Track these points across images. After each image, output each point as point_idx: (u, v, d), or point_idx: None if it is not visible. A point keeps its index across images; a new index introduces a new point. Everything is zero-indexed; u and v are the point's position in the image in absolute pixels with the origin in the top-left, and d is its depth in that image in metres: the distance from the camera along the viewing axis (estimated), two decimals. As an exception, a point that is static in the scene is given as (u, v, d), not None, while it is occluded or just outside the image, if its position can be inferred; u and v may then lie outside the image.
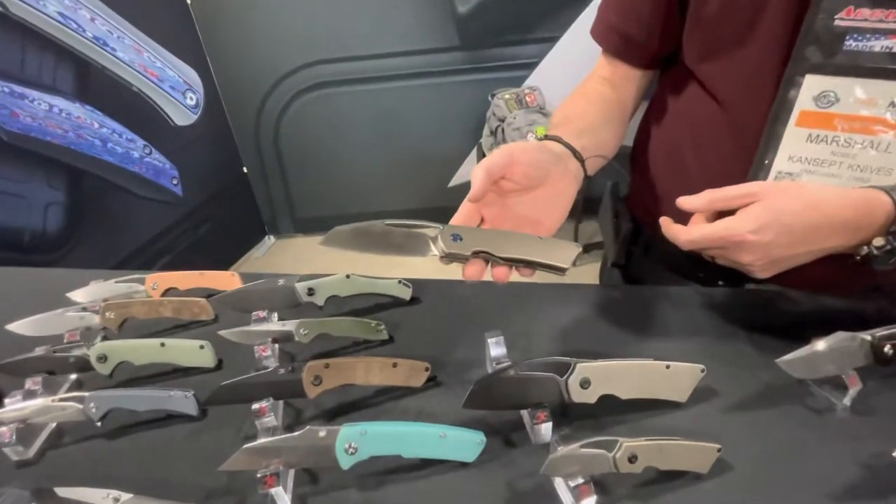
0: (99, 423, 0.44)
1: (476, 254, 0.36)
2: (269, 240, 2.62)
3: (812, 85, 0.46)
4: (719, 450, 0.37)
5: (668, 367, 0.42)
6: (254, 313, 0.56)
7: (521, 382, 0.40)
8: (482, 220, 0.42)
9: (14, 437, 0.42)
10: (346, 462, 0.38)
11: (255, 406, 0.43)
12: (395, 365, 0.46)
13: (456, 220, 0.40)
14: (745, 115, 0.51)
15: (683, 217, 0.46)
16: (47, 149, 1.67)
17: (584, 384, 0.40)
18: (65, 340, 0.55)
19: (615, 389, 0.41)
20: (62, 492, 0.37)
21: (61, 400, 0.44)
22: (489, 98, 2.02)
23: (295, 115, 2.30)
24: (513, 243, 0.38)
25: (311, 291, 0.56)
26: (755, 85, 0.49)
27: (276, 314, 0.59)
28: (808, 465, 0.38)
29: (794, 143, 0.48)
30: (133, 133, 1.95)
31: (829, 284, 0.53)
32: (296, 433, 0.37)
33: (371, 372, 0.46)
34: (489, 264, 0.37)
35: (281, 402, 0.46)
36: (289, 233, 2.62)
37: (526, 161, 0.42)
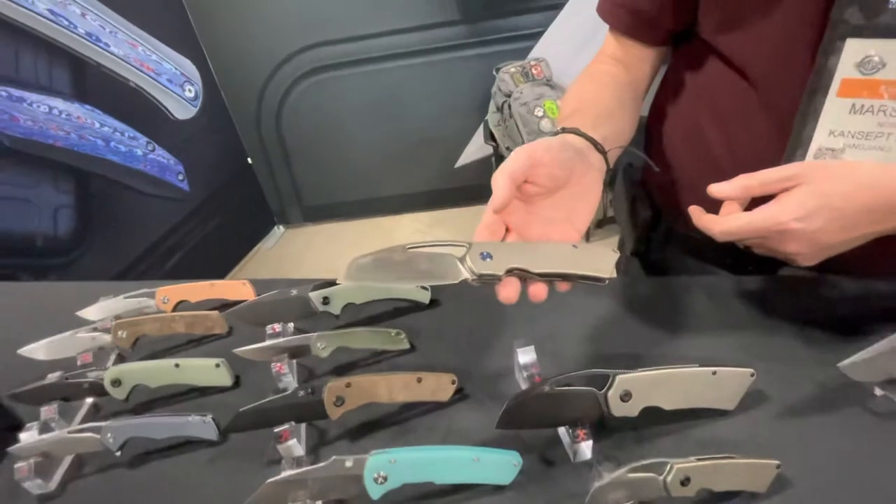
0: (118, 453, 0.43)
1: (510, 272, 0.33)
2: (279, 230, 2.61)
3: (854, 50, 0.41)
4: (778, 466, 0.34)
5: (714, 373, 0.39)
6: (268, 327, 0.53)
7: (557, 399, 0.37)
8: (507, 230, 0.38)
9: (33, 472, 0.41)
10: (375, 492, 0.36)
11: (277, 430, 0.41)
12: (419, 380, 0.43)
13: (480, 233, 0.36)
14: (777, 89, 0.46)
15: (710, 202, 0.42)
16: (51, 152, 1.65)
17: (625, 397, 0.38)
18: (78, 363, 0.53)
19: (658, 401, 0.38)
20: (85, 531, 0.36)
21: (78, 431, 0.42)
22: (494, 73, 1.95)
23: (295, 102, 2.24)
24: (547, 256, 0.34)
25: (326, 300, 0.54)
26: (786, 55, 0.44)
27: (291, 325, 0.56)
28: (875, 477, 0.35)
29: (835, 116, 0.43)
30: (135, 130, 1.92)
31: (872, 266, 0.49)
32: (321, 464, 0.35)
33: (395, 389, 0.43)
34: (524, 281, 0.34)
35: (303, 425, 0.44)
36: (298, 222, 2.60)
37: (550, 161, 0.38)
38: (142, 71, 1.94)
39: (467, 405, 0.45)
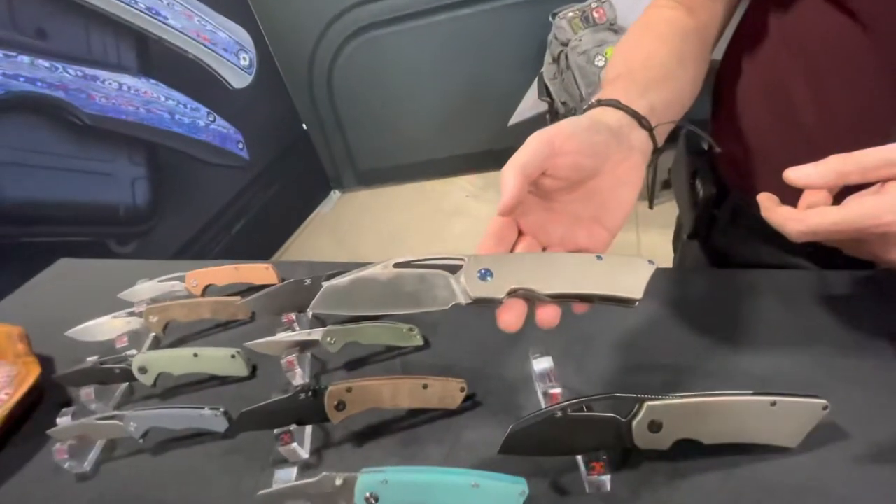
0: (141, 441, 0.45)
1: (513, 293, 0.27)
2: (335, 195, 2.66)
3: None
4: (849, 532, 0.27)
5: (773, 403, 0.31)
6: (283, 316, 0.53)
7: (570, 426, 0.32)
8: (520, 234, 0.32)
9: (68, 453, 0.44)
10: (367, 512, 0.34)
11: (278, 432, 0.40)
12: (425, 386, 0.40)
13: (486, 241, 0.30)
14: None
15: (789, 187, 0.32)
16: (124, 127, 1.76)
17: (655, 427, 0.32)
18: (116, 345, 0.56)
19: (697, 433, 0.32)
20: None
21: (104, 418, 0.45)
22: (550, 19, 1.76)
23: (346, 64, 2.21)
24: (562, 271, 0.28)
25: (340, 290, 0.51)
26: None
27: (310, 313, 0.55)
28: None
29: None
30: (196, 102, 2.00)
31: None
32: (312, 479, 0.34)
33: (399, 394, 0.40)
34: (531, 302, 0.28)
35: (308, 426, 0.43)
36: (352, 186, 2.64)
37: (574, 148, 0.30)
38: (199, 41, 1.99)
39: (478, 415, 0.41)
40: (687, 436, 0.32)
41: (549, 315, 0.28)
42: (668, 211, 1.83)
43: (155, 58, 1.84)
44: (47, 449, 0.46)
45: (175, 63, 1.91)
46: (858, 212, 0.29)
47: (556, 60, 1.77)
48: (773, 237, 0.49)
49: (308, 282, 0.52)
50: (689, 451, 0.33)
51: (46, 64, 1.53)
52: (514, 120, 2.19)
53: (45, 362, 0.58)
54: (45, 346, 0.60)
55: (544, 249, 0.33)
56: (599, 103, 0.36)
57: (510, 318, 0.27)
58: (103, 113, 1.71)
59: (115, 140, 1.74)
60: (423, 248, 2.06)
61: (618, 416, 0.32)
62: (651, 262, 0.29)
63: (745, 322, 0.42)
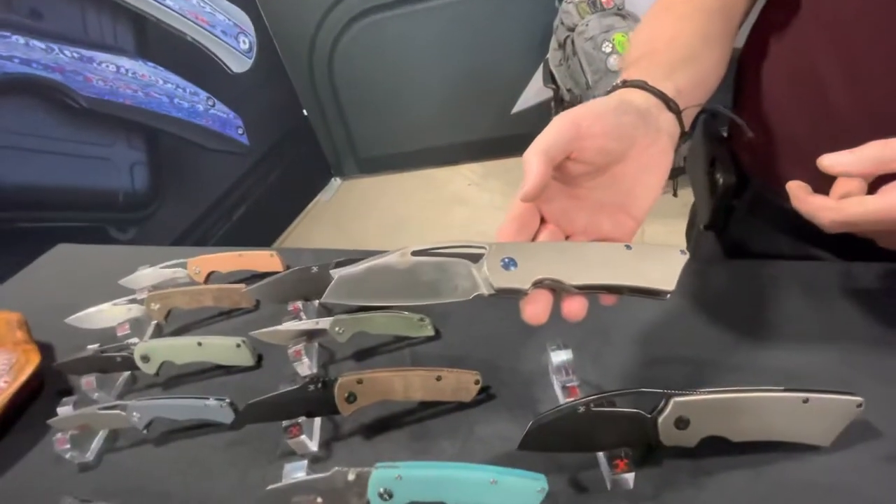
0: (145, 431, 0.43)
1: (539, 283, 0.26)
2: (336, 182, 2.63)
3: None
4: (887, 535, 0.26)
5: (805, 400, 0.30)
6: (289, 304, 0.51)
7: (593, 421, 0.31)
8: (542, 222, 0.30)
9: (70, 444, 0.43)
10: (380, 508, 0.32)
11: (286, 425, 0.39)
12: (439, 378, 0.39)
13: (506, 228, 0.28)
14: None
15: (820, 174, 0.31)
16: (122, 110, 1.72)
17: (681, 424, 0.30)
18: (117, 333, 0.55)
19: (725, 431, 0.31)
20: (109, 511, 0.37)
21: (107, 408, 0.43)
22: (556, 4, 1.72)
23: (347, 49, 2.17)
24: (590, 261, 0.26)
25: (347, 279, 0.50)
26: None
27: (316, 302, 0.54)
28: None
29: None
30: (195, 86, 1.96)
31: None
32: (323, 475, 0.33)
33: (411, 387, 0.39)
34: (557, 293, 0.26)
35: (317, 418, 0.42)
36: (353, 174, 2.61)
37: (601, 131, 0.29)
38: (197, 24, 1.94)
39: (493, 408, 0.40)
40: (715, 433, 0.31)
41: (575, 307, 0.26)
42: (670, 200, 1.81)
43: (153, 40, 1.80)
44: (48, 438, 0.45)
45: (173, 46, 1.87)
46: None
47: (561, 46, 1.73)
48: (794, 228, 0.47)
49: (315, 269, 0.50)
50: (714, 448, 0.32)
51: (42, 45, 1.49)
52: (518, 107, 2.16)
53: (45, 349, 0.56)
54: (45, 333, 0.59)
55: (567, 238, 0.31)
56: (625, 84, 0.34)
57: (536, 310, 0.26)
58: (101, 96, 1.67)
59: (113, 124, 1.71)
60: (425, 236, 2.04)
61: (643, 412, 0.31)
62: (683, 251, 0.27)
63: (769, 315, 0.41)
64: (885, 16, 0.35)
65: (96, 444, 0.45)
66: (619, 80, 0.35)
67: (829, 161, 0.31)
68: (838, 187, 0.32)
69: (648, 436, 0.31)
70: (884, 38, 0.35)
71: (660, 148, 0.31)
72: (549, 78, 1.82)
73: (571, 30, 1.65)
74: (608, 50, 1.58)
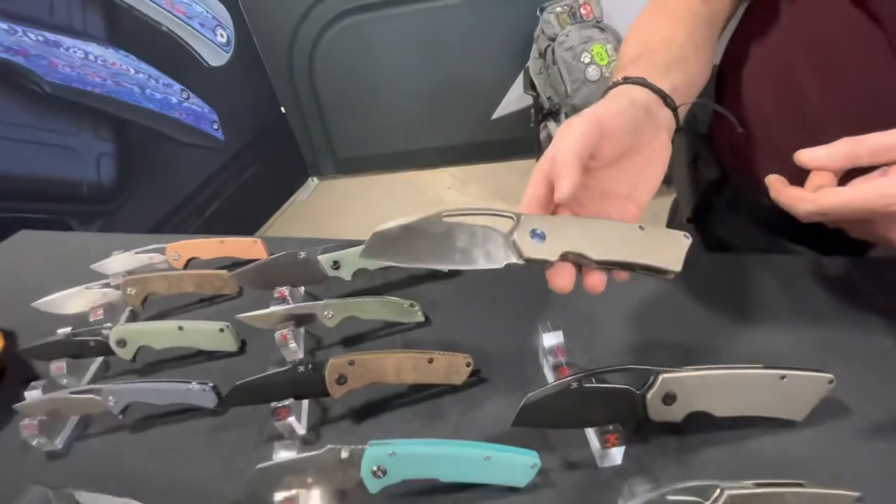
0: (120, 416, 0.42)
1: (565, 256, 0.27)
2: (313, 182, 2.59)
3: None
4: (859, 499, 0.27)
5: (782, 377, 0.32)
6: (275, 291, 0.50)
7: (585, 397, 0.32)
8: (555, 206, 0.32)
9: (38, 430, 0.41)
10: (373, 486, 0.32)
11: (274, 406, 0.38)
12: (430, 360, 0.39)
13: (528, 205, 0.30)
14: None
15: (796, 169, 0.33)
16: (89, 98, 1.65)
17: (668, 399, 0.32)
18: (90, 318, 0.52)
19: (709, 406, 0.32)
20: (82, 498, 0.35)
21: (80, 392, 0.41)
22: (538, 13, 1.76)
23: (327, 48, 2.15)
24: (610, 239, 0.28)
25: (336, 265, 0.49)
26: None
27: (302, 289, 0.53)
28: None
29: None
30: (169, 77, 1.90)
31: None
32: (315, 452, 0.32)
33: (403, 369, 0.39)
34: (579, 267, 0.28)
35: (305, 400, 0.41)
36: (331, 174, 2.58)
37: (621, 129, 0.31)
38: (173, 14, 1.89)
39: (483, 391, 0.40)
40: (699, 408, 0.32)
41: (596, 280, 0.28)
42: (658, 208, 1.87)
43: (125, 28, 1.74)
44: (13, 426, 0.42)
45: (147, 35, 1.81)
46: (869, 192, 0.30)
47: (542, 55, 1.77)
48: (770, 223, 0.50)
49: (303, 255, 0.50)
50: (698, 425, 0.33)
51: (4, 26, 1.42)
52: (498, 113, 2.19)
53: (7, 337, 0.53)
54: (6, 320, 0.55)
55: None
56: (626, 80, 0.36)
57: (563, 282, 0.28)
58: (66, 83, 1.60)
59: (79, 112, 1.64)
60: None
61: (632, 389, 0.32)
62: (687, 236, 0.29)
63: (747, 304, 0.43)
64: (856, 23, 0.38)
65: (66, 431, 0.43)
66: (619, 77, 0.37)
67: (806, 156, 0.33)
68: (812, 181, 0.34)
69: (637, 411, 0.32)
70: (855, 44, 0.38)
71: (661, 142, 0.34)
72: (530, 85, 1.85)
73: (552, 39, 1.70)
74: (587, 60, 1.63)
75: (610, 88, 0.36)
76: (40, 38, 1.53)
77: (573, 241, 0.27)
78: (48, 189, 1.56)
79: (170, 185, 1.93)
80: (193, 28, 1.96)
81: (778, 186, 0.35)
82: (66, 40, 1.59)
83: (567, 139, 0.29)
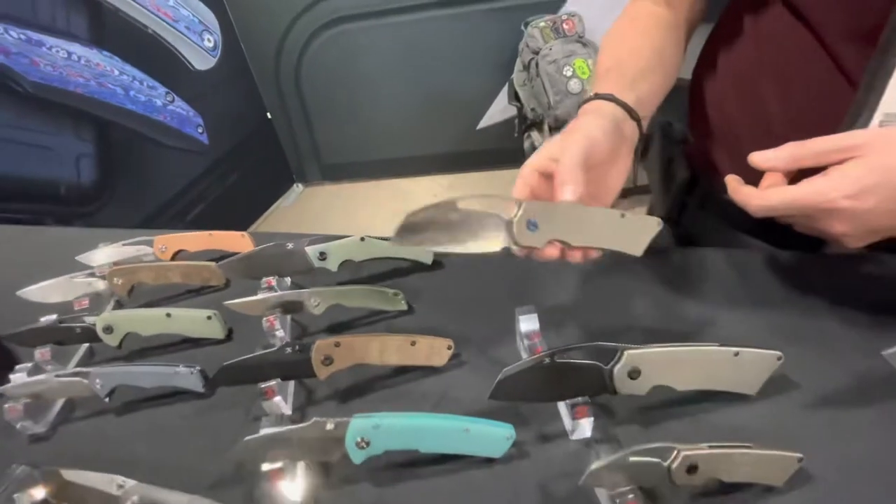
0: (107, 399, 0.42)
1: (551, 241, 0.34)
2: (298, 188, 2.59)
3: None
4: (800, 460, 0.30)
5: (736, 353, 0.35)
6: (263, 280, 0.51)
7: (556, 372, 0.34)
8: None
9: (23, 413, 0.41)
10: (357, 457, 0.34)
11: (262, 387, 0.39)
12: (413, 343, 0.41)
13: (521, 191, 0.36)
14: (846, 44, 0.40)
15: (755, 169, 0.37)
16: (71, 99, 1.64)
17: (634, 374, 0.34)
18: (75, 307, 0.53)
19: (670, 380, 0.35)
20: (69, 475, 0.35)
21: (67, 375, 0.42)
22: (522, 27, 1.82)
23: (315, 55, 2.17)
24: (592, 226, 0.35)
25: (323, 256, 0.51)
26: (862, 7, 0.38)
27: (288, 280, 0.54)
28: (911, 478, 0.31)
29: None
30: (154, 80, 1.89)
31: None
32: (302, 424, 0.34)
33: (387, 351, 0.41)
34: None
35: (291, 382, 0.43)
36: (317, 180, 2.58)
37: (606, 146, 0.37)
38: (159, 17, 1.89)
39: (463, 372, 0.42)
40: (662, 382, 0.35)
41: (577, 256, 0.35)
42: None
43: (110, 29, 1.73)
44: (-4, 409, 0.43)
45: (132, 37, 1.80)
46: (808, 191, 0.34)
47: (526, 67, 1.83)
48: (737, 223, 0.54)
49: (290, 245, 0.51)
50: (661, 398, 0.36)
51: (-15, 23, 1.41)
52: (483, 123, 2.24)
53: (-12, 325, 0.53)
54: (-14, 310, 0.55)
55: None
56: (597, 97, 0.41)
57: (551, 253, 0.34)
58: (48, 82, 1.59)
59: (59, 112, 1.62)
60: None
61: (601, 364, 0.34)
62: (660, 223, 0.36)
63: (710, 293, 0.46)
64: (803, 38, 0.42)
65: (51, 415, 0.43)
66: (592, 92, 0.42)
67: (757, 158, 0.37)
68: (765, 180, 0.38)
69: (605, 385, 0.35)
70: (803, 58, 0.43)
71: (626, 151, 0.39)
72: (514, 96, 1.91)
73: (536, 53, 1.76)
74: (569, 73, 1.69)
75: (584, 102, 0.41)
76: (22, 36, 1.51)
77: (559, 231, 0.33)
78: (24, 189, 1.53)
79: (152, 188, 1.92)
80: (180, 32, 1.97)
81: (734, 185, 0.38)
82: (49, 40, 1.58)
83: (569, 151, 0.35)
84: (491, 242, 0.32)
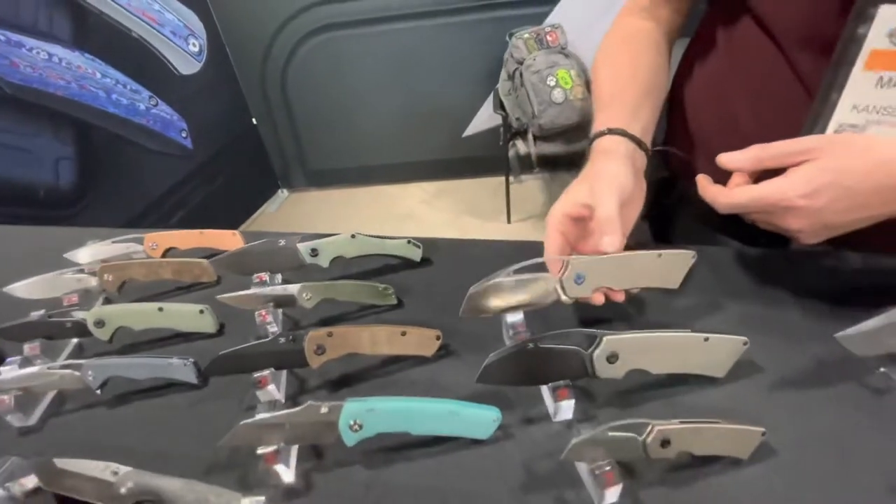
0: (99, 391, 0.43)
1: (597, 289, 0.39)
2: (283, 193, 2.59)
3: (887, 17, 0.37)
4: (763, 433, 0.33)
5: (706, 339, 0.37)
6: (255, 276, 0.52)
7: (540, 356, 0.36)
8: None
9: (13, 405, 0.41)
10: (350, 439, 0.35)
11: (256, 376, 0.41)
12: (403, 333, 0.42)
13: (551, 249, 0.40)
14: (805, 58, 0.43)
15: (725, 170, 0.40)
16: (51, 101, 1.62)
17: (612, 358, 0.36)
18: (64, 303, 0.53)
19: (646, 364, 0.37)
20: (61, 463, 0.36)
21: (59, 367, 0.42)
22: (507, 38, 1.87)
23: (302, 62, 2.18)
24: (632, 270, 0.39)
25: (314, 252, 0.52)
26: (816, 21, 0.41)
27: (279, 276, 0.55)
28: (862, 452, 0.34)
29: (860, 90, 0.39)
30: (137, 83, 1.88)
31: (885, 244, 0.47)
32: (296, 408, 0.35)
33: (378, 341, 0.42)
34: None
35: (284, 372, 0.44)
36: (302, 186, 2.58)
37: (631, 191, 0.41)
38: (143, 21, 1.88)
39: (451, 362, 0.44)
40: (638, 366, 0.37)
41: (620, 298, 0.40)
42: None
43: (93, 32, 1.72)
44: (-16, 402, 0.42)
45: (116, 40, 1.79)
46: (767, 190, 0.37)
47: (511, 77, 1.87)
48: (710, 221, 0.58)
49: (282, 242, 0.53)
50: (637, 381, 0.38)
51: (-36, 23, 1.39)
52: (468, 132, 2.27)
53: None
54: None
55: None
56: (610, 132, 0.44)
57: (597, 301, 0.39)
58: (27, 83, 1.56)
59: (38, 114, 1.59)
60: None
61: (581, 349, 0.37)
62: (695, 255, 0.41)
63: (685, 287, 0.48)
64: (769, 56, 0.46)
65: (41, 408, 0.44)
66: (605, 128, 0.45)
67: (725, 158, 0.40)
68: (732, 180, 0.41)
69: (585, 369, 0.37)
70: (771, 68, 0.46)
71: (640, 185, 0.43)
72: (499, 105, 1.95)
73: (520, 63, 1.80)
74: (552, 83, 1.74)
75: (596, 137, 0.45)
76: (1, 37, 1.49)
77: (604, 280, 0.39)
78: (0, 191, 1.50)
79: (133, 191, 1.89)
80: (165, 36, 1.96)
81: (703, 183, 0.42)
82: (30, 41, 1.56)
83: (605, 202, 0.39)
84: (544, 298, 0.38)
